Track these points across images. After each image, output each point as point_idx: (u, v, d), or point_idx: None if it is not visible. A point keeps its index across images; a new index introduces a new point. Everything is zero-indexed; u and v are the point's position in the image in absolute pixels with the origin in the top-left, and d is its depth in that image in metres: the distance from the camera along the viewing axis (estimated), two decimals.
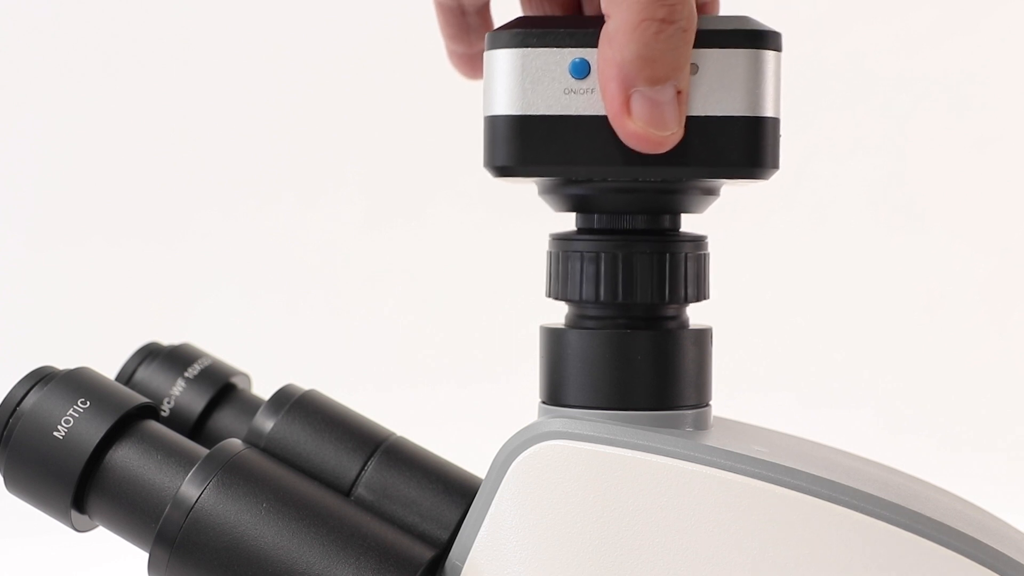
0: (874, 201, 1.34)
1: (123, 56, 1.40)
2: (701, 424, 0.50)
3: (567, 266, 0.50)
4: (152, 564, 0.49)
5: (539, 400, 0.51)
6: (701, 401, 0.51)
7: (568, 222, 0.52)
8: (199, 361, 0.59)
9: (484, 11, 0.56)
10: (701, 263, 0.50)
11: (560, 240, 0.51)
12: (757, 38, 0.47)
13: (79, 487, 0.50)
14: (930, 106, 1.34)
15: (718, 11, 0.54)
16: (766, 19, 0.48)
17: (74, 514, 0.51)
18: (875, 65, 1.35)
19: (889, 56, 1.35)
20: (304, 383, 0.57)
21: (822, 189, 1.34)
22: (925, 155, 1.34)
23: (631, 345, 0.49)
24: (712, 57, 0.47)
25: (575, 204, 0.51)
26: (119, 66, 1.40)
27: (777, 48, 0.48)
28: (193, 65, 1.40)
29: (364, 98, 1.38)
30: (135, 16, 1.41)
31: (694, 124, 0.47)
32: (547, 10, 0.55)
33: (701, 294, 0.50)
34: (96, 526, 0.53)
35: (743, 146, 0.47)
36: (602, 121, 0.47)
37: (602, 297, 0.49)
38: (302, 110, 1.39)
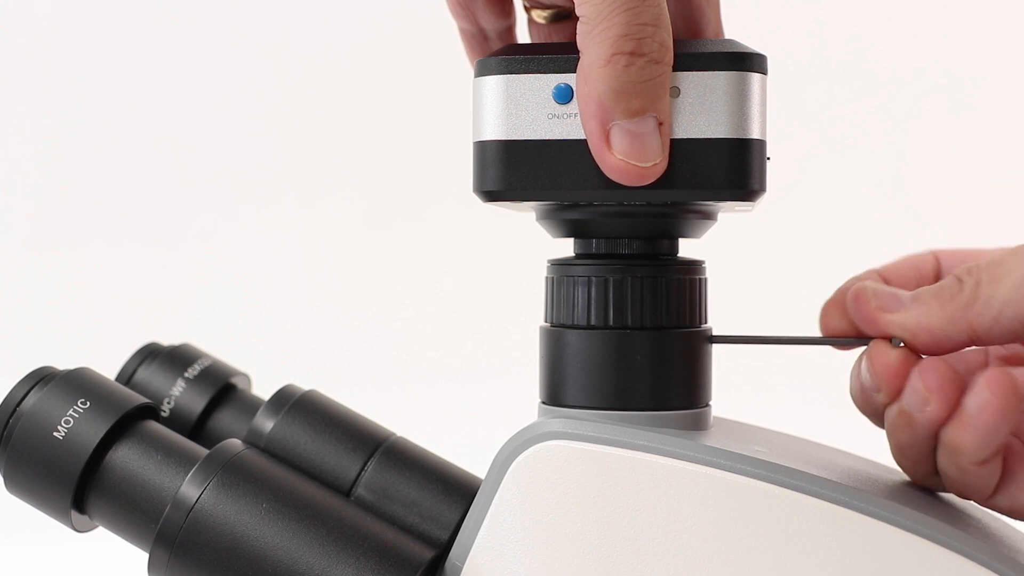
0: (874, 199, 1.34)
1: (123, 56, 1.40)
2: (701, 424, 0.50)
3: (561, 291, 0.50)
4: (152, 564, 0.49)
5: (539, 400, 0.51)
6: (701, 401, 0.51)
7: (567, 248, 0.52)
8: (199, 361, 0.59)
9: (507, 35, 0.57)
10: (696, 288, 0.50)
11: (555, 266, 0.51)
12: (740, 60, 0.47)
13: (79, 487, 0.50)
14: (930, 105, 1.34)
15: (722, 35, 0.54)
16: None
17: (74, 514, 0.51)
18: (874, 63, 1.35)
19: (889, 54, 1.35)
20: (304, 383, 0.57)
21: (822, 187, 1.34)
22: (925, 154, 1.34)
23: (631, 346, 0.49)
24: (693, 80, 0.47)
25: (570, 229, 0.51)
26: (119, 66, 1.40)
27: (762, 70, 0.48)
28: (193, 66, 1.40)
29: (364, 98, 1.39)
30: (135, 16, 1.41)
31: (677, 147, 0.47)
32: (553, 36, 0.55)
33: (695, 318, 0.50)
34: (96, 526, 0.53)
35: (728, 168, 0.47)
36: (586, 145, 0.47)
37: (593, 322, 0.49)
38: (302, 111, 1.40)
